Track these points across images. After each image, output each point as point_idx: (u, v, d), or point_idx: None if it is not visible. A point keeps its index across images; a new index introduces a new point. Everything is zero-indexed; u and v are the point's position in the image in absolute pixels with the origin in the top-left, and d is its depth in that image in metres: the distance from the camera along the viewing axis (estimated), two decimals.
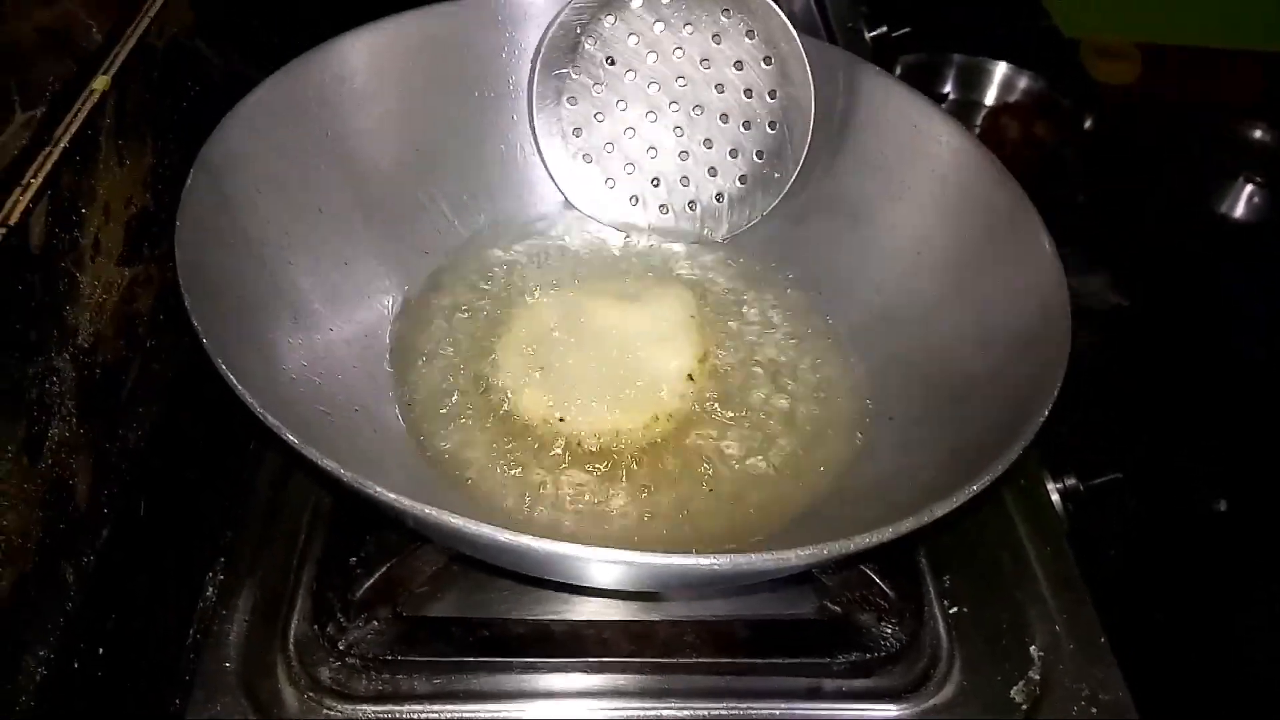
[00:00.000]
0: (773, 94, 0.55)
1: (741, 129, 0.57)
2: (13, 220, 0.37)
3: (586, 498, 0.48)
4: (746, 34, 0.54)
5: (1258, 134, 0.92)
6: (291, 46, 0.51)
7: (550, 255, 0.60)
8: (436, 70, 0.55)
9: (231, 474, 0.54)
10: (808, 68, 0.54)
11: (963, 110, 0.96)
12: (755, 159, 0.57)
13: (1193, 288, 0.80)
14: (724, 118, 0.57)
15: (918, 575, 0.51)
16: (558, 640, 0.48)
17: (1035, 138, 0.93)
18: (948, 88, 0.97)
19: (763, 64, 0.55)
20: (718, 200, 0.59)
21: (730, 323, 0.57)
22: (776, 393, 0.54)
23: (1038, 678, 0.48)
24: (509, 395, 0.51)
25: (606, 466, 0.49)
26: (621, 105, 0.57)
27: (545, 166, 0.59)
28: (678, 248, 0.61)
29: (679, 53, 0.56)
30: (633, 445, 0.50)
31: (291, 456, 0.35)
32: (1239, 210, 0.88)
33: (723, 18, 0.54)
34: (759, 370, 0.55)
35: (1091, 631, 0.50)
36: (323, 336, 0.49)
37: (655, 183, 0.60)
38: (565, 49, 0.55)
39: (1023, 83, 0.96)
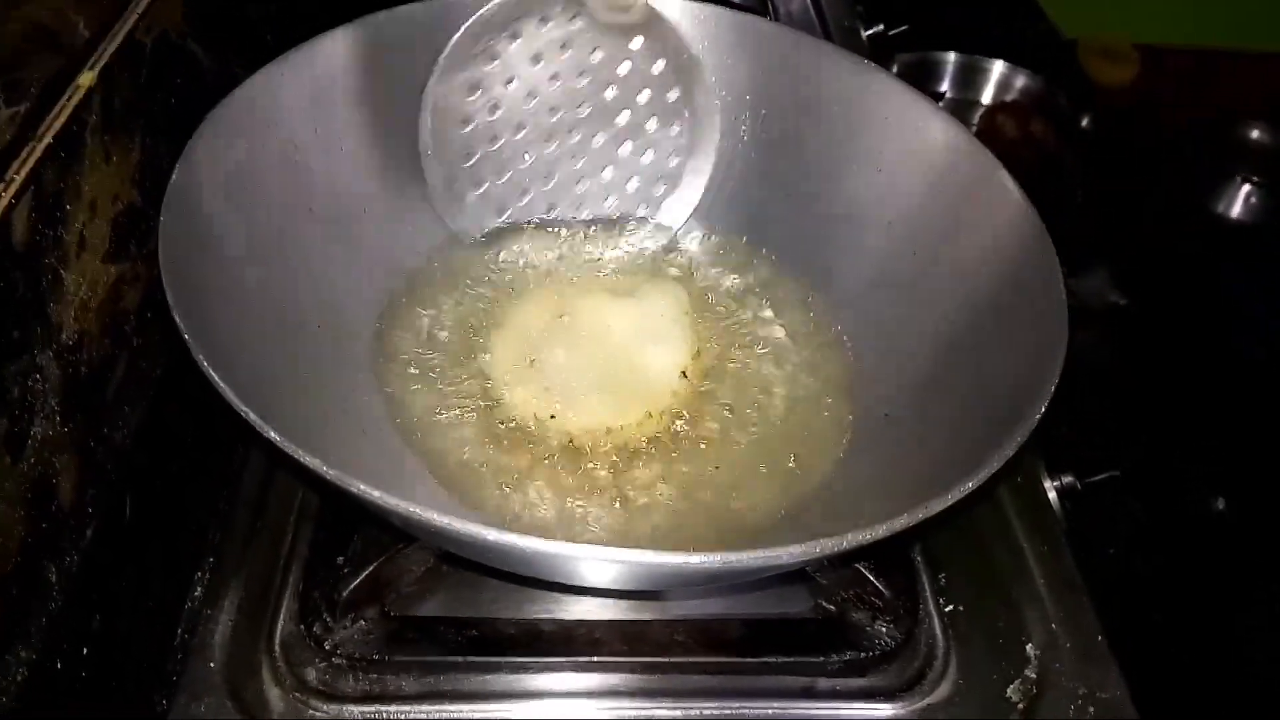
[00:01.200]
0: (677, 115, 0.56)
1: (642, 153, 0.58)
2: None
3: (577, 495, 0.47)
4: (653, 56, 0.54)
5: (1255, 134, 0.91)
6: (283, 43, 0.51)
7: (543, 252, 0.59)
8: (427, 67, 0.55)
9: (218, 472, 0.53)
10: (712, 90, 0.56)
11: (960, 109, 0.95)
12: (657, 182, 0.59)
13: (1191, 286, 0.80)
14: (622, 136, 0.58)
15: (913, 573, 0.51)
16: (548, 639, 0.47)
17: (1033, 137, 0.93)
18: (944, 86, 0.96)
19: (670, 88, 0.56)
20: (618, 217, 0.60)
21: (724, 320, 0.57)
22: (770, 389, 0.53)
23: (1034, 676, 0.47)
24: (500, 392, 0.51)
25: (598, 464, 0.49)
26: (521, 129, 0.56)
27: (432, 198, 0.56)
28: (672, 244, 0.60)
29: (583, 77, 0.55)
30: (625, 442, 0.50)
31: (276, 455, 0.34)
32: (1236, 210, 0.87)
33: (631, 43, 0.54)
34: (753, 367, 0.54)
35: (1089, 630, 0.49)
36: (309, 334, 0.48)
37: (550, 208, 0.59)
38: (462, 71, 0.53)
39: (1020, 82, 0.95)
